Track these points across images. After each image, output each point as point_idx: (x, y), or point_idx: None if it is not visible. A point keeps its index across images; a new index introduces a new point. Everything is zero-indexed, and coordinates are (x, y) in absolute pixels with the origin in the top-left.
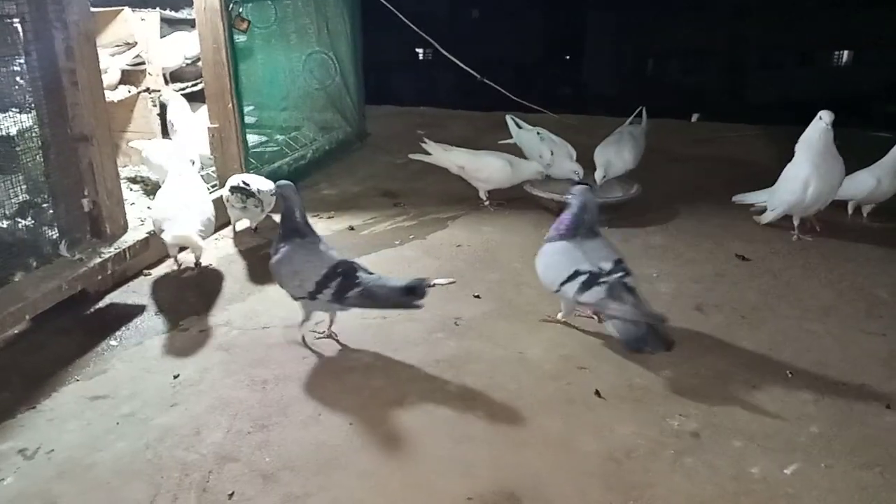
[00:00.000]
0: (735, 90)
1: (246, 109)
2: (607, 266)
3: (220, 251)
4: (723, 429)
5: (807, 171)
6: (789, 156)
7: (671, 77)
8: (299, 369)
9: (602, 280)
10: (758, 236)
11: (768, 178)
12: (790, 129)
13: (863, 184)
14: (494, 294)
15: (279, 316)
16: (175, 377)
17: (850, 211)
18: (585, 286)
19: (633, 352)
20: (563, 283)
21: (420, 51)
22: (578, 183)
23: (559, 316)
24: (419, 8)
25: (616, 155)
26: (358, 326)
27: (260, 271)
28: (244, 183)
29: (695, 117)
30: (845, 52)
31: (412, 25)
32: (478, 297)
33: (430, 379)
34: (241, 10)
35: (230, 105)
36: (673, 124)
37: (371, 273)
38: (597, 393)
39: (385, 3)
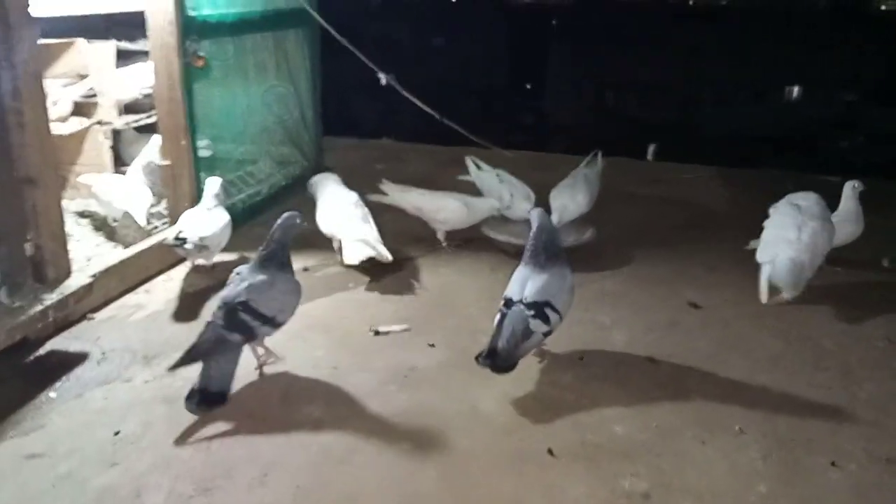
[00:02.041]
0: (690, 126)
1: (201, 143)
2: (518, 297)
3: (168, 292)
4: (673, 489)
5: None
6: (743, 198)
7: (628, 112)
8: (246, 424)
9: (503, 308)
10: (711, 282)
11: (720, 220)
12: (742, 171)
13: (840, 231)
14: (449, 342)
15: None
16: (116, 434)
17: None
18: (498, 311)
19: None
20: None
21: (382, 76)
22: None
23: None
24: (383, 31)
25: (570, 199)
26: (309, 377)
27: (207, 312)
28: (178, 238)
29: (651, 151)
30: (796, 89)
31: (369, 62)
32: (432, 345)
33: (381, 434)
34: (197, 47)
35: (183, 142)
36: (628, 163)
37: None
38: (549, 451)
39: (346, 43)
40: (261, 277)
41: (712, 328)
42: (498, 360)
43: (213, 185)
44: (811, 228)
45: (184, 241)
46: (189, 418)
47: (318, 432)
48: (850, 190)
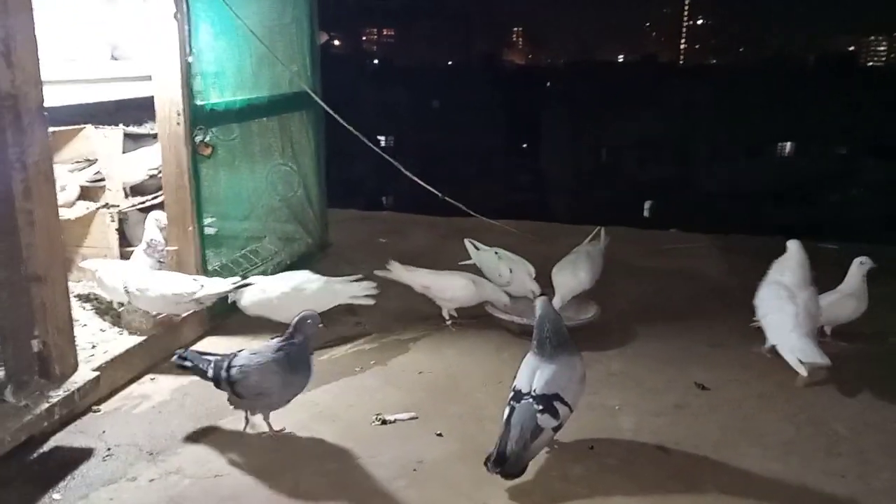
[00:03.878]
0: (684, 184)
1: (207, 221)
2: (527, 389)
3: (173, 381)
4: None
5: None
6: (742, 267)
7: (624, 172)
8: None
9: (512, 401)
10: (716, 361)
11: (721, 293)
12: (740, 237)
13: (843, 307)
14: (457, 431)
15: (234, 460)
16: None
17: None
18: (507, 403)
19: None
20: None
21: (381, 139)
22: (541, 294)
23: None
24: (381, 96)
25: (572, 276)
26: (314, 471)
27: (216, 405)
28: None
29: (647, 207)
30: (788, 145)
31: (371, 144)
32: (440, 435)
33: None
34: (205, 137)
35: (191, 228)
36: (628, 232)
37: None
38: None
39: (350, 128)
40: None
41: (720, 411)
42: (507, 465)
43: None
44: (804, 300)
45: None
46: None
47: None
48: (856, 267)
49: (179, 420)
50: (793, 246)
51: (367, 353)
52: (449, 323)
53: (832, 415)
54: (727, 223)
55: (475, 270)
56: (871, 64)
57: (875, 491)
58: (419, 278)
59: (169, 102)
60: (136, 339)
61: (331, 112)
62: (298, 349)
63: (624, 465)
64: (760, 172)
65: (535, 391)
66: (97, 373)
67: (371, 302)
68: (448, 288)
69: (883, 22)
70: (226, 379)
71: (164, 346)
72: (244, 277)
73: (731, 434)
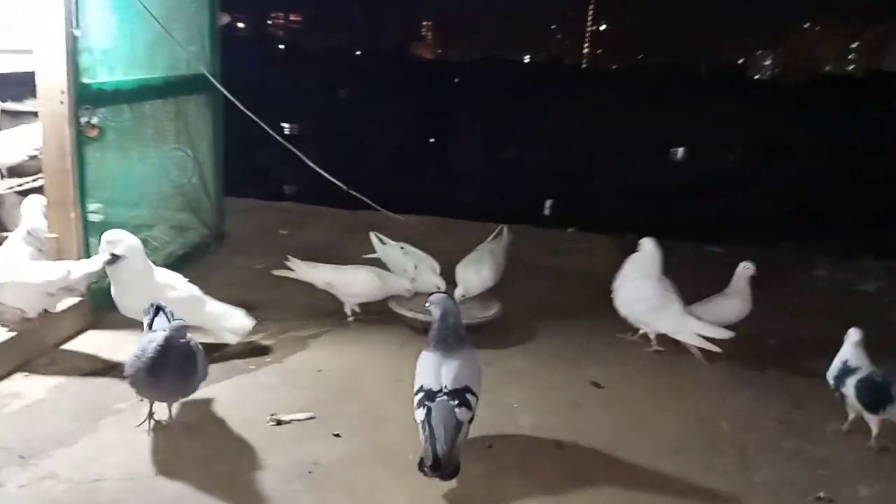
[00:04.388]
0: (585, 183)
1: (93, 207)
2: (437, 386)
3: (49, 379)
4: None
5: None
6: None
7: (528, 169)
8: None
9: (426, 402)
10: (610, 358)
11: None
12: (633, 241)
13: (728, 309)
14: (355, 431)
15: (114, 463)
16: None
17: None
18: (419, 404)
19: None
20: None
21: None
22: (436, 292)
23: None
24: (286, 82)
25: (475, 273)
26: (201, 475)
27: (94, 403)
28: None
29: (547, 206)
30: (681, 150)
31: (271, 131)
32: (338, 435)
33: None
34: (91, 117)
35: (73, 215)
36: (527, 230)
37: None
38: None
39: (251, 115)
40: None
41: (614, 409)
42: (445, 469)
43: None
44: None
45: None
46: None
47: None
48: (741, 269)
49: (55, 420)
50: (650, 243)
51: (263, 350)
52: (351, 319)
53: (717, 413)
54: (624, 223)
55: (379, 264)
56: (757, 77)
57: (756, 487)
58: (322, 274)
59: (52, 79)
60: (7, 334)
61: (229, 96)
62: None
63: (521, 464)
64: (656, 175)
65: (446, 387)
66: None
67: (234, 341)
68: (352, 283)
69: (769, 39)
70: None
71: (38, 340)
72: None
73: (623, 432)
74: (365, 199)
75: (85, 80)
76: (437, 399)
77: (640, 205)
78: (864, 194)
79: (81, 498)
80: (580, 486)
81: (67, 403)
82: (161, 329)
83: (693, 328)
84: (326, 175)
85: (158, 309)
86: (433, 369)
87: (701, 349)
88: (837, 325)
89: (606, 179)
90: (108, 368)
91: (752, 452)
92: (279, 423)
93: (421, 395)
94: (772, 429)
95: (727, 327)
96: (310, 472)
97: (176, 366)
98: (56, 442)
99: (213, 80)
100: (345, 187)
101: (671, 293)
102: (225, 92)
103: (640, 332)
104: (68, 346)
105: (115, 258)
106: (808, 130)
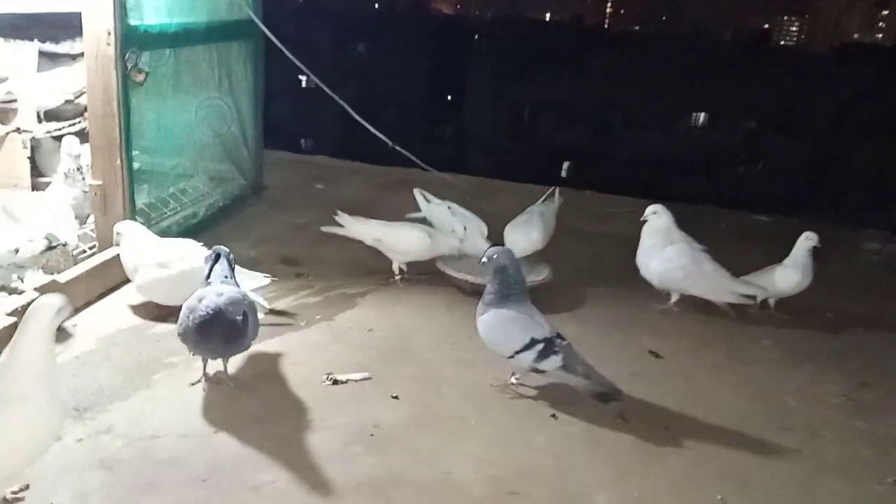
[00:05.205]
0: (601, 149)
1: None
2: (553, 332)
3: (98, 329)
4: None
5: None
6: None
7: (542, 133)
8: (197, 497)
9: (556, 348)
10: (664, 328)
11: None
12: (678, 206)
13: (787, 279)
14: (412, 394)
15: (171, 420)
16: None
17: (758, 301)
18: (543, 354)
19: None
20: (518, 352)
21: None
22: (494, 244)
23: (511, 380)
24: (301, 33)
25: (524, 236)
26: (260, 434)
27: (146, 357)
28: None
29: (564, 168)
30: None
31: (322, 85)
32: (396, 397)
33: None
34: (139, 60)
35: (118, 161)
36: (571, 195)
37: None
38: None
39: (300, 64)
40: None
41: (674, 381)
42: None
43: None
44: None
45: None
46: (127, 489)
47: None
48: (803, 240)
49: (106, 373)
50: (662, 210)
51: (312, 307)
52: (398, 278)
53: (780, 387)
54: (663, 191)
55: (423, 224)
56: (783, 43)
57: (829, 466)
58: (372, 231)
59: (99, 20)
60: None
61: (276, 41)
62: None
63: (586, 434)
64: (689, 141)
65: (555, 333)
66: (13, 317)
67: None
68: (403, 240)
69: (796, 3)
70: None
71: (84, 289)
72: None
73: (686, 404)
74: (409, 154)
75: (131, 22)
76: (559, 343)
77: (673, 172)
78: None
79: (140, 454)
80: (646, 458)
81: (118, 356)
82: (219, 280)
83: (727, 287)
84: (372, 129)
85: (218, 256)
86: (529, 321)
87: (731, 305)
88: (888, 301)
89: (635, 146)
90: (158, 320)
91: (821, 430)
92: (335, 382)
93: (540, 345)
94: (839, 406)
95: (785, 299)
96: (371, 435)
97: (225, 328)
98: (110, 395)
99: (258, 22)
100: (390, 142)
101: (701, 254)
102: (272, 37)
103: (673, 299)
104: (115, 295)
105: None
106: (837, 102)
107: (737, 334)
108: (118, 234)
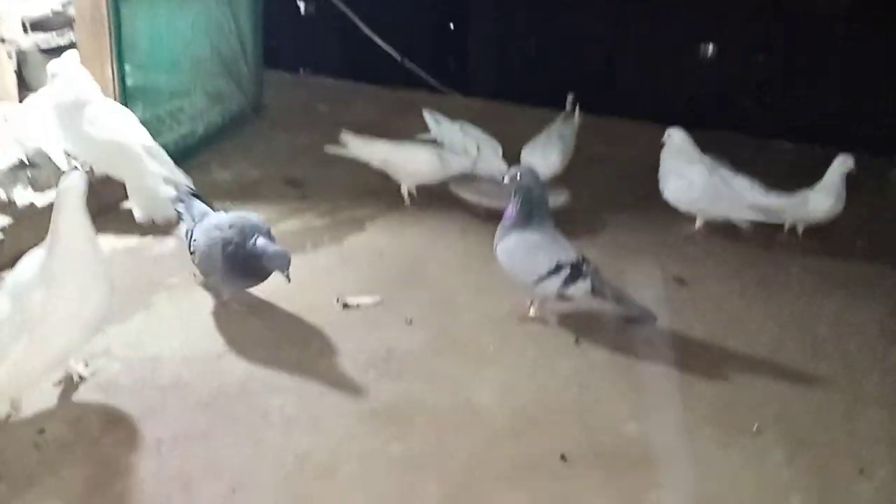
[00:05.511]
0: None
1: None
2: (574, 258)
3: None
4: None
5: None
6: None
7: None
8: (202, 422)
9: (584, 273)
10: (690, 254)
11: None
12: (696, 134)
13: (819, 204)
14: (427, 319)
15: (173, 343)
16: (40, 432)
17: (786, 228)
18: (571, 279)
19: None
20: (543, 277)
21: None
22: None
23: (531, 311)
24: None
25: (542, 158)
26: (271, 358)
27: (144, 277)
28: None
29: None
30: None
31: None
32: (410, 322)
33: (366, 437)
34: None
35: (109, 72)
36: (583, 120)
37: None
38: (562, 457)
39: None
40: None
41: (703, 307)
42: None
43: None
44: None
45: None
46: (128, 414)
47: (291, 433)
48: (838, 164)
49: None
50: (678, 133)
51: (318, 230)
52: (408, 201)
53: (813, 315)
54: (681, 117)
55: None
56: None
57: (867, 398)
58: (379, 151)
59: None
60: (47, 197)
61: None
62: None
63: (612, 362)
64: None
65: (581, 258)
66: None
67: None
68: (412, 161)
69: None
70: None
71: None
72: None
73: (716, 332)
74: (420, 71)
75: None
76: (586, 268)
77: (690, 97)
78: None
79: (140, 378)
80: (676, 388)
81: (115, 276)
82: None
83: (750, 200)
84: (383, 44)
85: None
86: (554, 245)
87: (756, 227)
88: None
89: (648, 72)
90: (156, 240)
91: (857, 359)
92: (345, 306)
93: (566, 271)
94: (875, 335)
95: (815, 228)
96: (385, 360)
97: (249, 267)
98: (108, 318)
99: None
100: (399, 57)
101: (722, 170)
102: None
103: (698, 223)
104: (110, 215)
105: None
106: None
107: (764, 261)
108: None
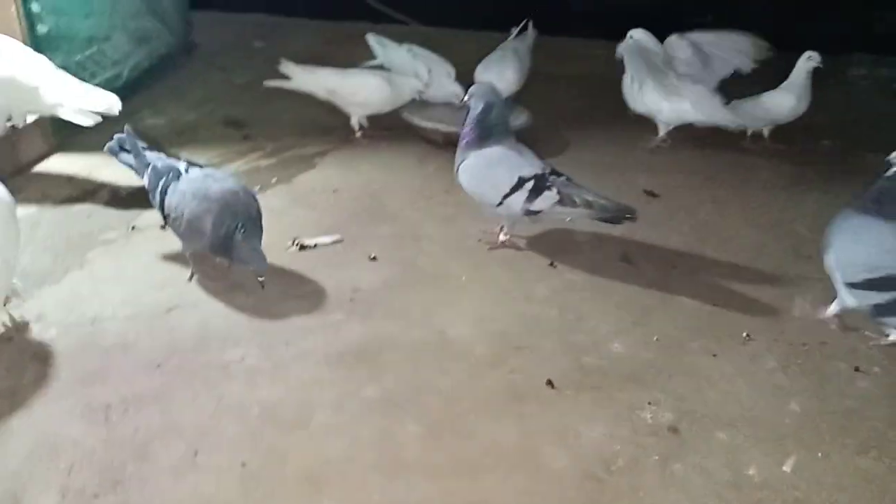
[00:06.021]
0: None
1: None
2: (546, 168)
3: (19, 209)
4: (700, 417)
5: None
6: None
7: None
8: (154, 383)
9: (548, 183)
10: (658, 166)
11: None
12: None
13: (782, 105)
14: (392, 254)
15: (114, 301)
16: None
17: (748, 133)
18: (535, 192)
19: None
20: (506, 195)
21: None
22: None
23: (501, 237)
24: None
25: (498, 76)
26: (221, 309)
27: (77, 234)
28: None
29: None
30: None
31: None
32: (374, 258)
33: (337, 382)
34: None
35: (13, 9)
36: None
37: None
38: (549, 383)
39: None
40: None
41: (677, 217)
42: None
43: None
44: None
45: None
46: (68, 381)
47: (255, 386)
48: (803, 61)
49: (31, 255)
50: (643, 34)
51: (265, 171)
52: (359, 134)
53: (790, 216)
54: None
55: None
56: None
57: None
58: (324, 80)
59: None
60: None
61: None
62: None
63: (591, 282)
64: None
65: (546, 169)
66: None
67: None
68: (360, 89)
69: None
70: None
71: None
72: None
73: (692, 241)
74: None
75: None
76: (552, 179)
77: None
78: None
79: (80, 342)
80: (657, 301)
81: (43, 235)
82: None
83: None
84: None
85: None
86: (516, 158)
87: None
88: (885, 123)
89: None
90: (87, 194)
91: None
92: (302, 247)
93: (531, 183)
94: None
95: (779, 130)
96: (351, 300)
97: (231, 252)
98: (37, 280)
99: None
100: None
101: (679, 75)
102: None
103: (661, 132)
104: (34, 171)
105: None
106: None
107: (734, 167)
108: None
